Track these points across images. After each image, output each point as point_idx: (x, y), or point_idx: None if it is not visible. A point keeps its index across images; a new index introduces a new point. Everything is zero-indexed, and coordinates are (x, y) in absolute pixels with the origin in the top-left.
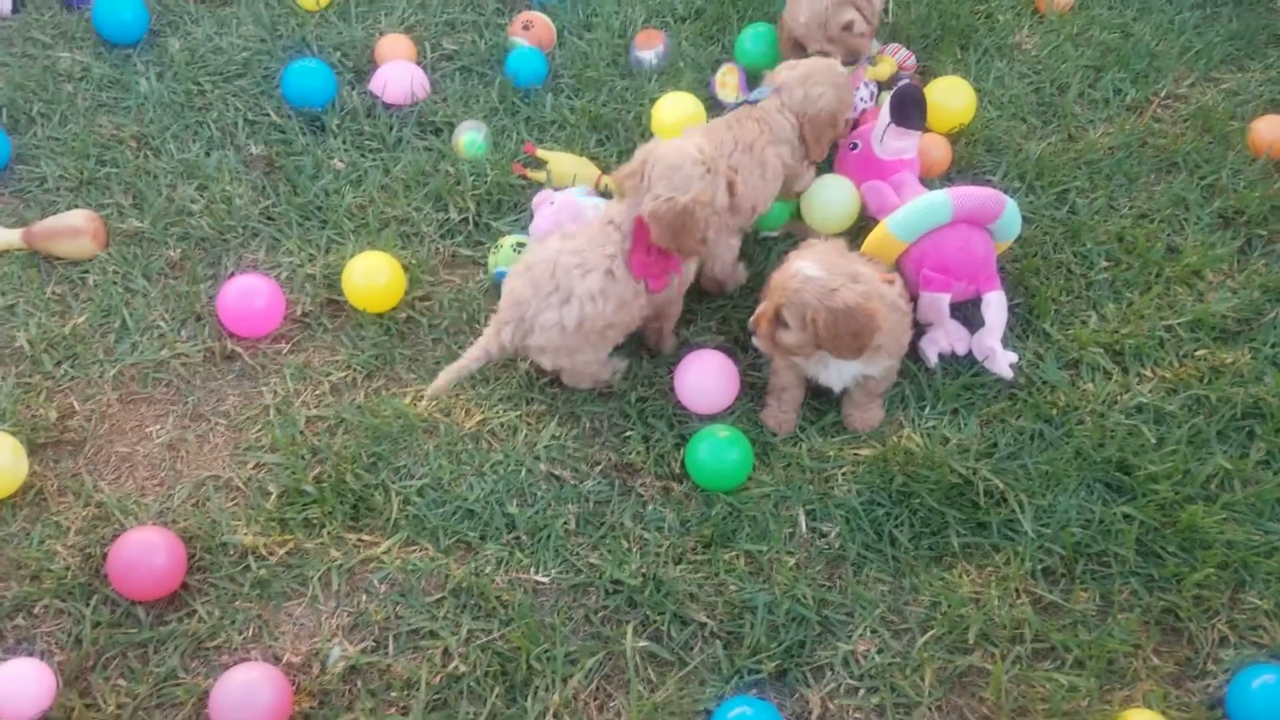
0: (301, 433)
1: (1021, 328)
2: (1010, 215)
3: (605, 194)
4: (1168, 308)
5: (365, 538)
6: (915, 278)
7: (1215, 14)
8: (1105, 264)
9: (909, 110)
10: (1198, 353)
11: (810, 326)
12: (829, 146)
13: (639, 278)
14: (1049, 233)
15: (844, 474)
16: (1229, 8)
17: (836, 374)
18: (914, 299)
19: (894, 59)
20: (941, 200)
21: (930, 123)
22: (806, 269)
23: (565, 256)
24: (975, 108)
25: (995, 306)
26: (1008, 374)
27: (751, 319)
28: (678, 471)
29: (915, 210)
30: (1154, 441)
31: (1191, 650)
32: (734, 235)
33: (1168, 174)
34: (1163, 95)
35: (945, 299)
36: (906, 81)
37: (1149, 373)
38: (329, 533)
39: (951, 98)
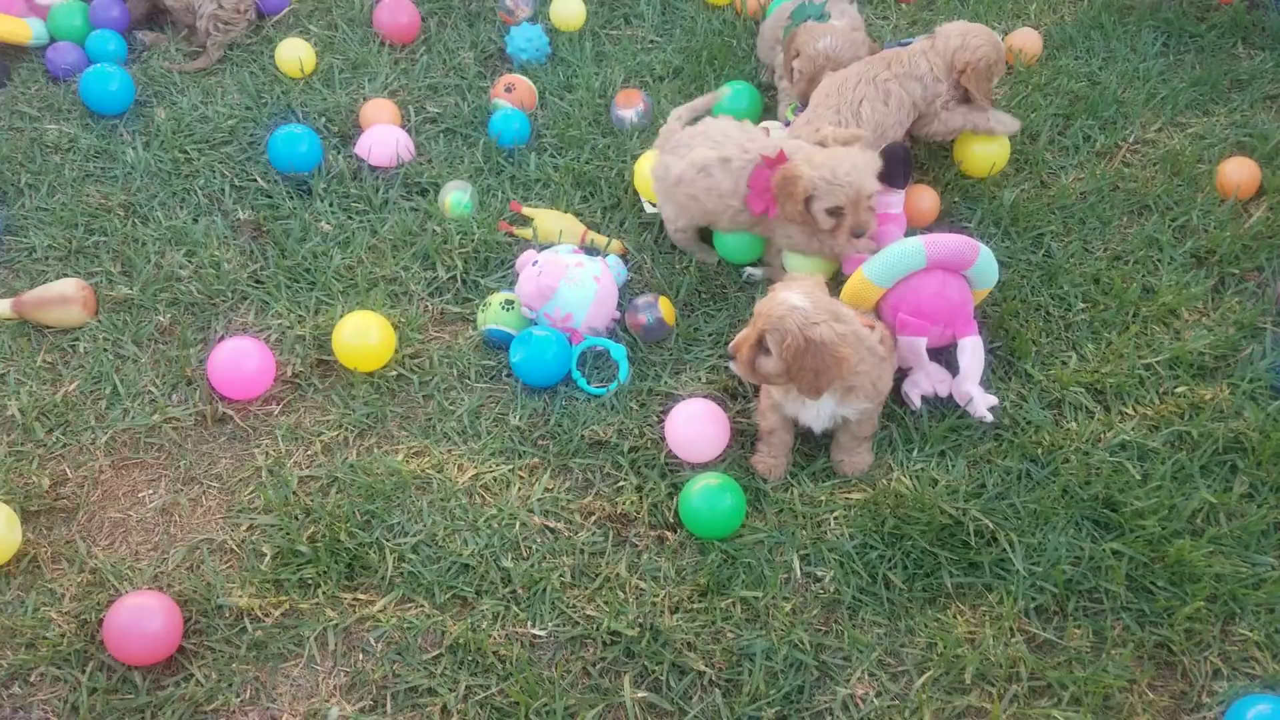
0: (294, 493)
1: (1004, 369)
2: (985, 261)
3: (591, 250)
4: (1146, 346)
5: (361, 596)
6: (893, 322)
7: (1179, 61)
8: (1083, 305)
9: (895, 169)
10: (1177, 390)
11: (785, 353)
12: (988, 94)
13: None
14: (1026, 276)
15: (836, 518)
16: (1191, 55)
17: (814, 414)
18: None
19: None
20: (915, 247)
21: (969, 169)
22: (794, 299)
23: None
24: (1009, 152)
25: (970, 351)
26: (988, 417)
27: (731, 344)
28: (671, 520)
29: (890, 256)
30: (1139, 478)
31: (1186, 684)
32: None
33: (1139, 216)
34: (1131, 140)
35: (922, 343)
36: (894, 141)
37: (1131, 410)
38: (324, 592)
39: (989, 146)
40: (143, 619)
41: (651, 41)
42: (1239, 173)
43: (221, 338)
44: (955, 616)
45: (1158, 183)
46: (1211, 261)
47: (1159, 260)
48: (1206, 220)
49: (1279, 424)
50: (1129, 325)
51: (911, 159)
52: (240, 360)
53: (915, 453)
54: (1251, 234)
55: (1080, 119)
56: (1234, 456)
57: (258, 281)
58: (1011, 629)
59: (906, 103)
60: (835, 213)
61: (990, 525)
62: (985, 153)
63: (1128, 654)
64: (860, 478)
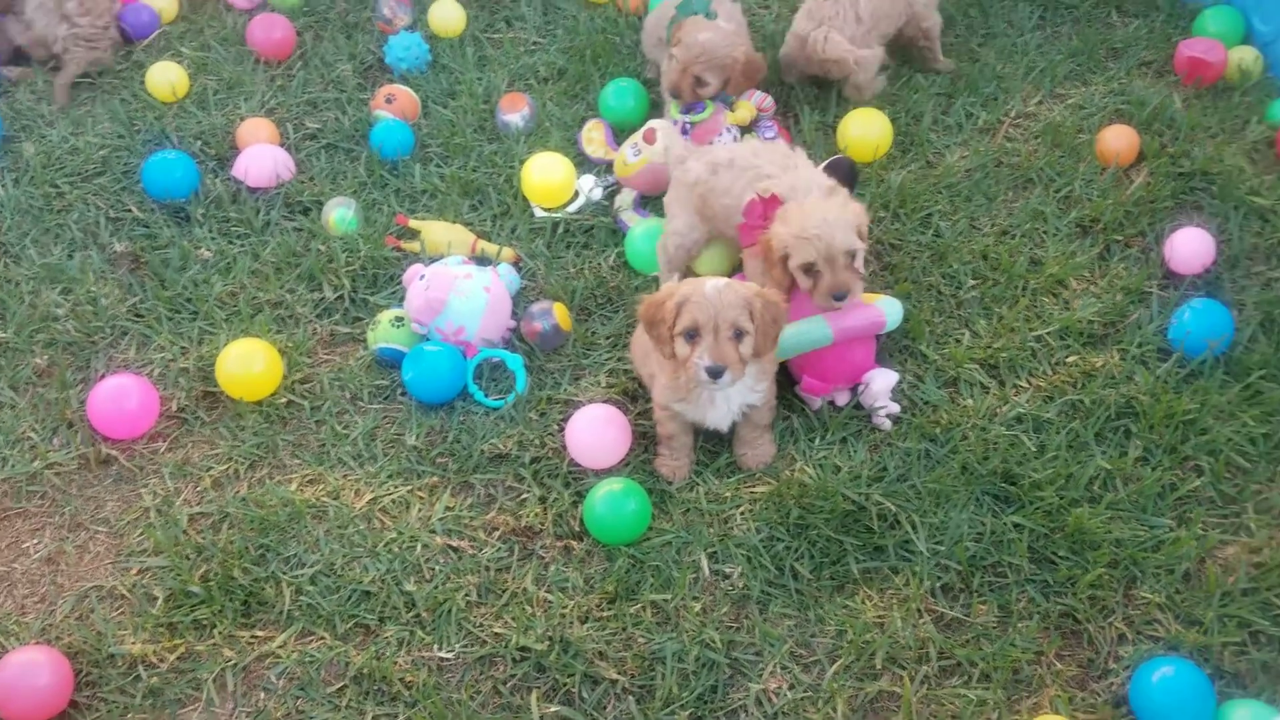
0: (185, 532)
1: (900, 352)
2: (893, 319)
3: (482, 260)
4: (1036, 318)
5: (259, 633)
6: (796, 374)
7: (1056, 33)
8: (973, 282)
9: (840, 181)
10: (1069, 359)
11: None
12: None
13: None
14: (916, 257)
15: (742, 513)
16: (1068, 26)
17: (722, 412)
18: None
19: (752, 103)
20: (822, 331)
21: (854, 154)
22: (715, 281)
23: None
24: (892, 134)
25: (876, 382)
26: (885, 425)
27: (713, 356)
28: (577, 529)
29: (797, 337)
30: (1035, 450)
31: (1092, 651)
32: (876, 43)
33: (1024, 190)
34: (1013, 115)
35: (821, 400)
36: (840, 156)
37: (1025, 383)
38: (220, 632)
39: (870, 129)
40: (29, 675)
41: (534, 43)
42: (1118, 140)
43: (102, 376)
44: (863, 602)
45: (1040, 155)
46: (1096, 230)
47: (1045, 232)
48: (1089, 189)
49: (1169, 386)
50: (1019, 299)
51: (857, 171)
52: (121, 398)
53: (817, 441)
54: (1133, 200)
55: (962, 97)
56: (1127, 421)
57: (138, 315)
58: (919, 610)
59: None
60: (810, 270)
61: (893, 508)
62: (867, 136)
63: (1034, 626)
64: (764, 470)
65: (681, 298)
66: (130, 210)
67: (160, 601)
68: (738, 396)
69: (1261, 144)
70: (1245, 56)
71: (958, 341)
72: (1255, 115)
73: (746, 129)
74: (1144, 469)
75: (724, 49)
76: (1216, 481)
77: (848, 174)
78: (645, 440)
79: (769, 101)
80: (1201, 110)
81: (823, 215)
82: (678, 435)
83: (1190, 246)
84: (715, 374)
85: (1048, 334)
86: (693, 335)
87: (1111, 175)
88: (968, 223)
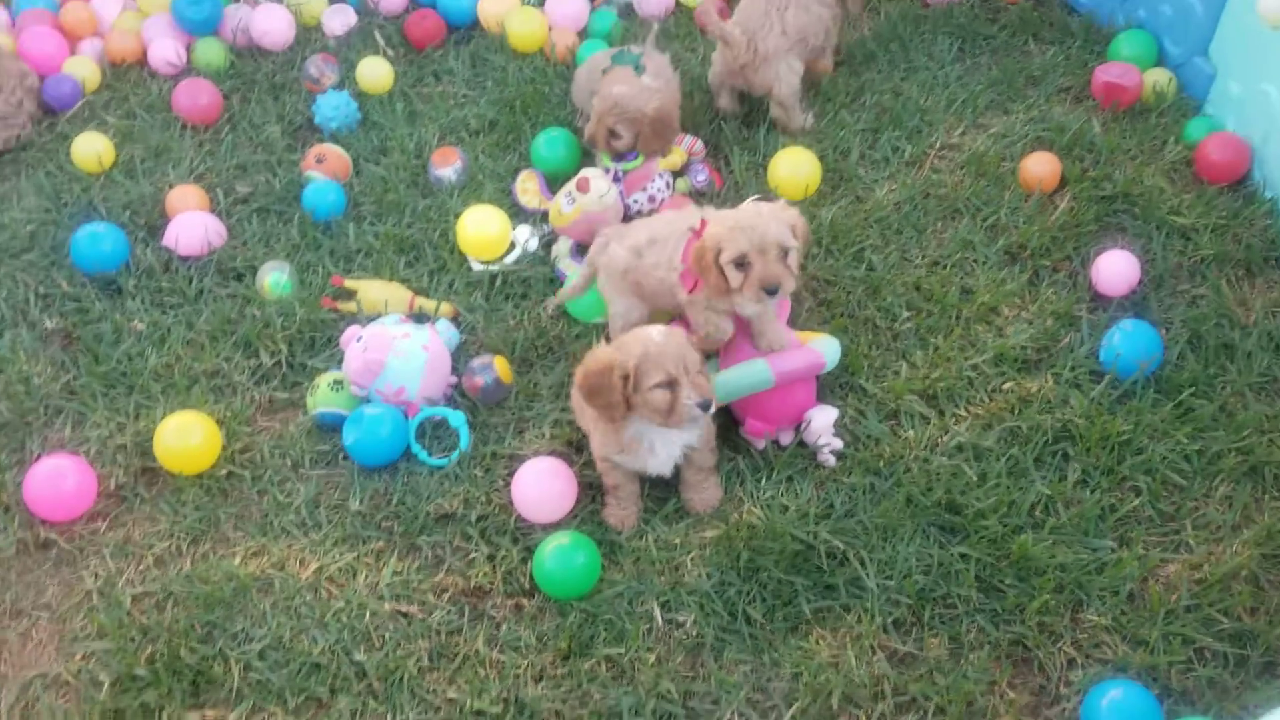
0: (129, 613)
1: (840, 387)
2: (832, 359)
3: (419, 317)
4: (970, 347)
5: (209, 713)
6: (739, 416)
7: (975, 64)
8: (908, 314)
9: None
10: (1005, 386)
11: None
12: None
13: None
14: (851, 292)
15: (692, 559)
16: (986, 56)
17: (663, 458)
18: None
19: (682, 147)
20: (762, 374)
21: (785, 193)
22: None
23: None
24: (820, 172)
25: (817, 419)
26: (830, 462)
27: (699, 400)
28: (527, 586)
29: (737, 379)
30: (977, 478)
31: (1043, 677)
32: (796, 58)
33: (952, 220)
34: (938, 147)
35: (764, 440)
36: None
37: (963, 412)
38: (169, 715)
39: (799, 168)
40: None
41: (464, 96)
42: (1041, 167)
43: (37, 457)
44: (817, 642)
45: (966, 185)
46: (1024, 256)
47: (975, 261)
48: (1015, 217)
49: (1103, 408)
50: (953, 328)
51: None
52: (57, 479)
53: (764, 481)
54: (1059, 225)
55: (887, 131)
56: (1064, 445)
57: (71, 392)
58: (872, 647)
59: (825, 19)
60: (742, 263)
61: (841, 546)
62: (797, 175)
63: (985, 656)
64: (712, 514)
65: (639, 358)
66: (60, 285)
67: (106, 686)
68: (677, 438)
69: (1180, 164)
70: (1160, 79)
71: (896, 374)
72: (1172, 136)
73: (678, 173)
74: (1083, 491)
75: (635, 103)
76: (1154, 500)
77: None
78: (592, 490)
79: (699, 145)
80: (1120, 133)
81: (756, 211)
82: (623, 484)
83: (1116, 268)
84: (706, 407)
85: (983, 362)
86: (669, 385)
87: (1036, 202)
88: (899, 255)
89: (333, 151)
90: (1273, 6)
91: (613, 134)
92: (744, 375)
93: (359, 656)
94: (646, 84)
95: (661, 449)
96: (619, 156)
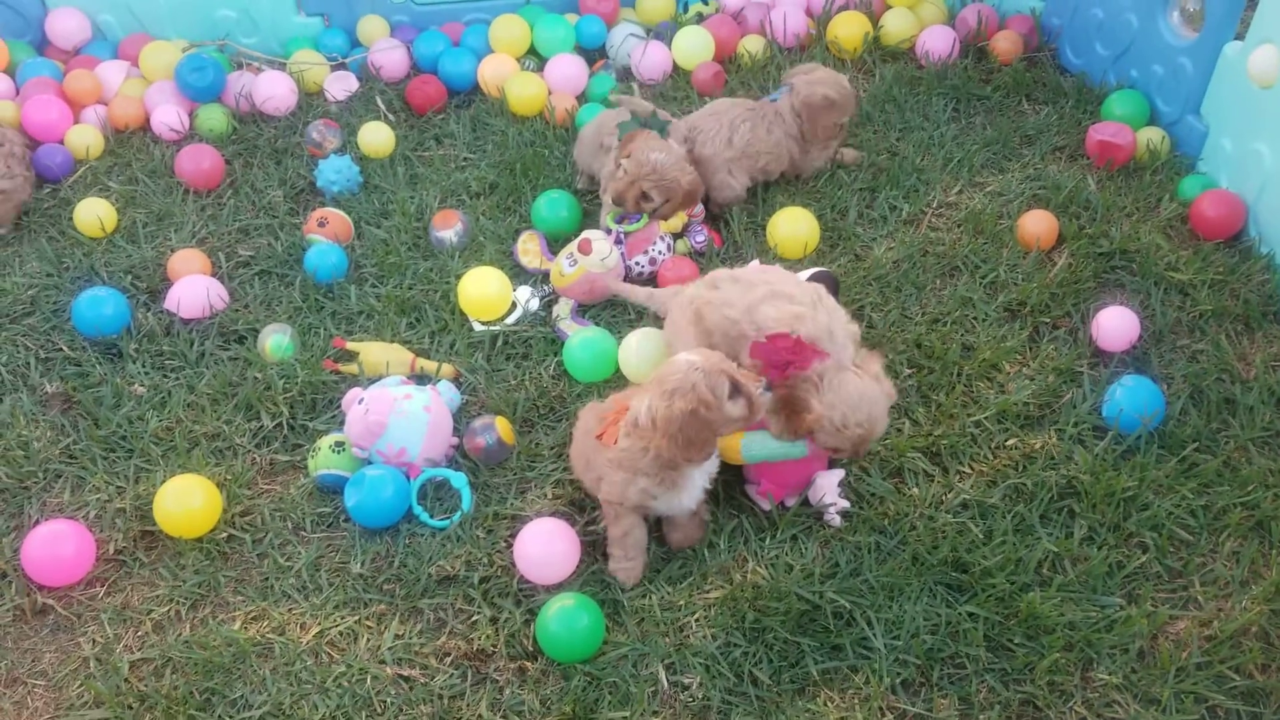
0: (126, 680)
1: None
2: None
3: (421, 379)
4: (973, 404)
5: None
6: (753, 477)
7: (970, 124)
8: (909, 371)
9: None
10: (1008, 442)
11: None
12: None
13: None
14: None
15: (697, 620)
16: (981, 117)
17: (699, 485)
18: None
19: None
20: (798, 448)
21: (784, 251)
22: (690, 356)
23: None
24: (819, 231)
25: (822, 480)
26: (836, 522)
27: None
28: (531, 649)
29: (774, 448)
30: (983, 536)
31: None
32: (741, 170)
33: (951, 278)
34: (935, 205)
35: (769, 502)
36: (821, 269)
37: (968, 468)
38: None
39: (798, 227)
40: None
41: (465, 159)
42: (1038, 225)
43: (36, 522)
44: (825, 704)
45: (964, 243)
46: (1024, 313)
47: (975, 318)
48: (1014, 274)
49: (1107, 464)
50: (955, 385)
51: (838, 285)
52: (55, 545)
53: (768, 540)
54: (1058, 282)
55: (885, 190)
56: (1070, 501)
57: (71, 457)
58: (881, 708)
59: (786, 146)
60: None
61: (847, 605)
62: (796, 234)
63: (995, 716)
64: (717, 573)
65: (709, 383)
66: (61, 349)
67: None
68: (711, 467)
69: (1175, 220)
70: (1153, 137)
71: (899, 431)
72: (1167, 193)
73: (679, 235)
74: (1090, 548)
75: (673, 171)
76: (1161, 556)
77: (830, 287)
78: (595, 551)
79: (699, 207)
80: (1115, 191)
81: (865, 394)
82: (632, 532)
83: (1116, 324)
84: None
85: (985, 418)
86: (736, 390)
87: (1034, 259)
88: (899, 313)
89: (335, 215)
90: (1263, 67)
91: (645, 196)
92: (782, 449)
93: None
94: (680, 153)
95: (698, 479)
96: (621, 218)
